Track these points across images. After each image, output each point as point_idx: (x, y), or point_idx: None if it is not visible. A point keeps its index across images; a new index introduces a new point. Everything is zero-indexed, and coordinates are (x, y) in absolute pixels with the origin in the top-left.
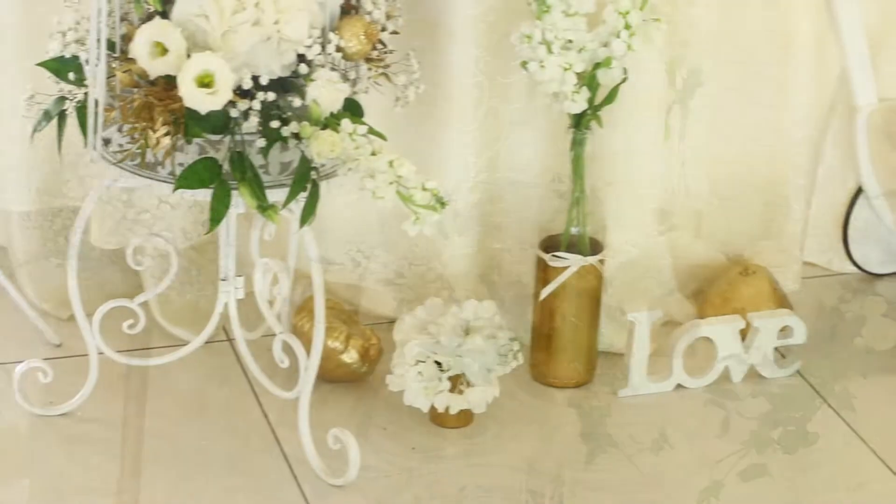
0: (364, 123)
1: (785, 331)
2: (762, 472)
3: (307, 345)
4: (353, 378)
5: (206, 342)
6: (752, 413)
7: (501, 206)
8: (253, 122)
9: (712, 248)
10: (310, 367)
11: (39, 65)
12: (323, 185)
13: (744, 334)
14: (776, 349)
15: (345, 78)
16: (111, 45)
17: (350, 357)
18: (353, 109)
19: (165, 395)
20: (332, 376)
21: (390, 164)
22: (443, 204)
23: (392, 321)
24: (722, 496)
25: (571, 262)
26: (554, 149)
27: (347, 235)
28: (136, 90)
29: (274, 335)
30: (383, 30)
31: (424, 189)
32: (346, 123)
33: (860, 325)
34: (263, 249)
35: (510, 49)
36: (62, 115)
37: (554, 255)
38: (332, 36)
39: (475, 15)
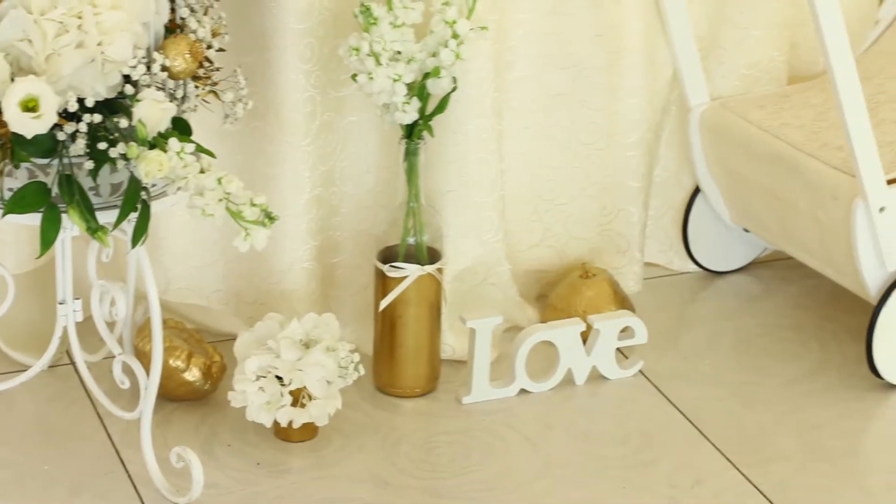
0: (192, 142)
1: (626, 332)
2: (604, 472)
3: (149, 365)
4: (197, 396)
5: (50, 366)
6: (594, 414)
7: (338, 220)
8: (80, 144)
9: (552, 252)
10: (150, 387)
11: None
12: (162, 203)
13: (585, 337)
14: (618, 350)
15: (171, 97)
16: None
17: (192, 375)
18: (181, 128)
19: (8, 421)
20: (175, 395)
21: (219, 181)
22: (272, 219)
23: (235, 338)
24: (564, 497)
25: (409, 272)
26: (388, 160)
27: (187, 253)
28: None
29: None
30: (209, 47)
31: (253, 205)
32: (173, 142)
33: (701, 324)
34: (107, 271)
35: (341, 62)
36: None
37: (392, 266)
38: (156, 56)
39: (304, 29)
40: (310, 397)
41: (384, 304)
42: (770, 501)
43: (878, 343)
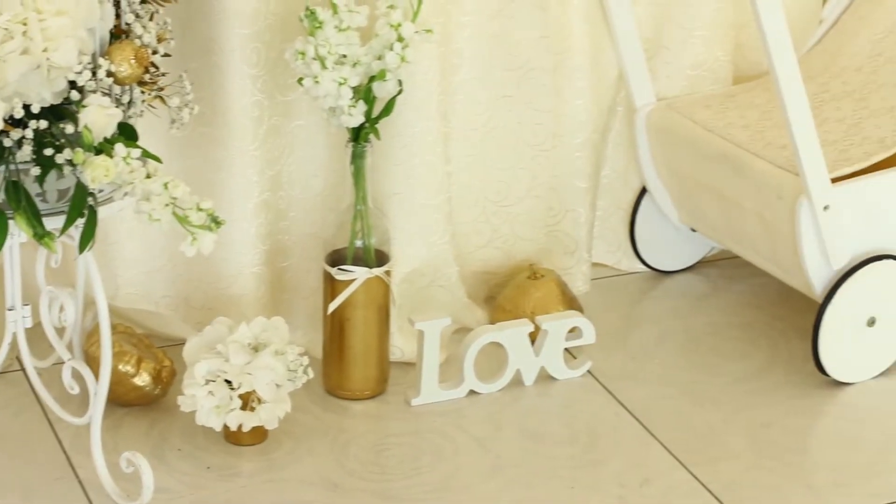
0: (138, 147)
1: (574, 332)
2: (553, 472)
3: (99, 370)
4: (147, 401)
5: (0, 372)
6: (543, 415)
7: (286, 224)
8: (27, 150)
9: (500, 254)
10: (99, 392)
11: None
12: (109, 209)
13: (534, 337)
14: (567, 350)
15: (117, 103)
16: None
17: (142, 380)
18: (127, 133)
19: None
20: (125, 400)
21: (165, 186)
22: (218, 223)
23: (184, 343)
24: (513, 497)
25: (357, 275)
26: (336, 163)
27: (136, 258)
28: None
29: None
30: (155, 53)
31: (200, 209)
32: (119, 148)
33: (650, 323)
34: (57, 277)
35: (287, 66)
36: None
37: (340, 269)
38: (102, 61)
39: (250, 34)
40: (259, 401)
41: (333, 306)
42: (719, 500)
43: (824, 341)
